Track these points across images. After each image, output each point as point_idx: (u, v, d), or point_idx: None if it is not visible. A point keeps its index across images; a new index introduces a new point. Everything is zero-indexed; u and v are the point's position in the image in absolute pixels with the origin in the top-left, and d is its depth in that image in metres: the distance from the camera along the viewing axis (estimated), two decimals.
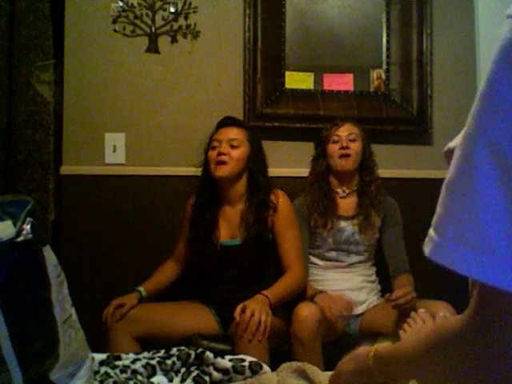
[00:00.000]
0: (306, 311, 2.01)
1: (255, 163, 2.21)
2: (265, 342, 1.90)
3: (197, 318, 2.15)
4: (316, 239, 2.34)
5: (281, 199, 2.20)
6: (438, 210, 0.57)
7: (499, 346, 0.54)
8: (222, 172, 2.15)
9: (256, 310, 1.90)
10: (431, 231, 0.56)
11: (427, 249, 0.55)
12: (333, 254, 2.33)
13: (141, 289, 2.17)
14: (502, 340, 0.53)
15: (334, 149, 2.32)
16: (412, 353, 0.75)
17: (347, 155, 2.30)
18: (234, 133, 2.21)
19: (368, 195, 2.33)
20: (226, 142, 2.18)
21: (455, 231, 0.53)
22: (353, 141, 2.32)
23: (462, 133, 0.55)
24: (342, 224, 2.32)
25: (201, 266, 2.25)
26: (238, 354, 1.58)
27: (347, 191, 2.36)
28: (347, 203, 2.36)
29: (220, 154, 2.15)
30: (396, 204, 2.40)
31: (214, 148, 2.20)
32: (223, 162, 2.15)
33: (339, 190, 2.36)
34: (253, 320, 1.88)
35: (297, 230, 2.22)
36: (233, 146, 2.17)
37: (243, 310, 1.91)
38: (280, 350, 2.07)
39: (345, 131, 2.33)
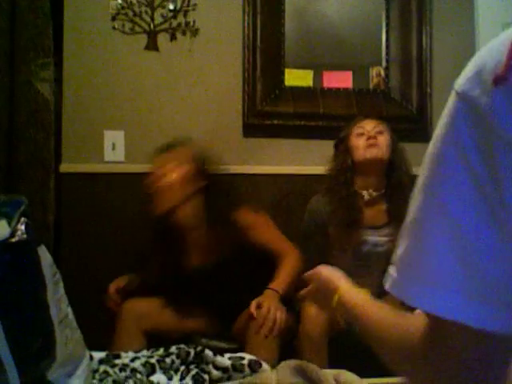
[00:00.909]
0: (315, 309, 1.97)
1: (206, 180, 2.07)
2: (277, 339, 1.90)
3: (200, 315, 2.15)
4: (334, 248, 2.14)
5: (243, 217, 2.07)
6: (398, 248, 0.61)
7: (448, 360, 0.57)
8: (160, 207, 2.03)
9: (272, 307, 1.89)
10: (391, 268, 0.61)
11: (387, 284, 0.61)
12: (351, 267, 2.06)
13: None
14: (450, 354, 0.56)
15: (358, 142, 2.09)
16: (371, 321, 0.81)
17: (375, 145, 2.07)
18: (170, 158, 2.06)
19: (399, 200, 2.01)
20: (161, 169, 2.05)
21: (409, 270, 0.59)
22: (380, 133, 2.10)
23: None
24: (367, 236, 2.10)
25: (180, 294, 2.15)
26: (248, 352, 1.58)
27: (374, 194, 2.10)
28: (373, 211, 2.12)
29: (153, 181, 2.03)
30: None
31: (152, 180, 2.06)
32: (161, 193, 2.02)
33: (364, 193, 2.10)
34: (269, 316, 1.88)
35: (273, 226, 2.13)
36: (170, 170, 2.03)
37: (259, 306, 1.90)
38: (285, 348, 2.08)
39: (370, 124, 2.12)
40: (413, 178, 2.08)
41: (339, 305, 1.01)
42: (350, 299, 0.98)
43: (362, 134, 2.10)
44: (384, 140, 2.09)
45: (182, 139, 2.18)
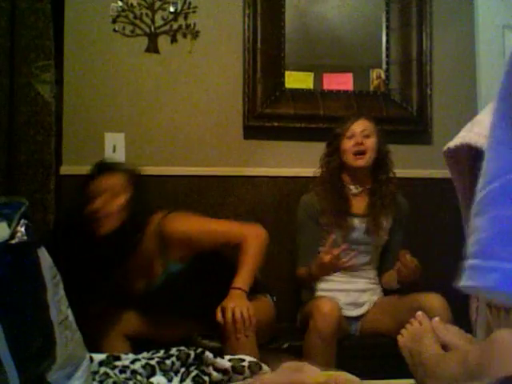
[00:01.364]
0: (328, 306, 2.03)
1: (137, 206, 2.01)
2: (253, 339, 1.89)
3: (196, 316, 2.15)
4: (325, 237, 2.24)
5: (174, 225, 2.01)
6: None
7: None
8: (104, 229, 1.95)
9: (236, 309, 1.84)
10: (472, 261, 0.45)
11: (479, 282, 0.44)
12: (341, 253, 2.21)
13: None
14: None
15: (348, 145, 2.26)
16: None
17: (362, 152, 2.25)
18: (109, 184, 2.00)
19: (381, 195, 2.28)
20: (101, 194, 1.98)
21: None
22: (367, 136, 2.27)
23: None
24: (354, 223, 2.28)
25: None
26: (227, 352, 1.58)
27: (360, 189, 2.31)
28: (359, 202, 2.31)
29: (95, 211, 1.96)
30: (408, 207, 2.36)
31: (91, 203, 1.98)
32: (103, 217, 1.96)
33: (352, 187, 2.31)
34: (237, 319, 1.83)
35: (201, 219, 2.09)
36: (112, 196, 1.98)
37: (223, 313, 1.87)
38: (279, 349, 2.08)
39: (359, 126, 2.28)
40: (394, 176, 2.32)
41: None
42: None
43: (352, 137, 2.26)
44: (371, 143, 2.26)
45: (117, 163, 2.18)
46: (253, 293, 2.01)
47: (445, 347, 1.13)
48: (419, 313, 1.27)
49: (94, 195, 1.98)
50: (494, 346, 0.73)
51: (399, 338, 1.21)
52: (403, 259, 2.08)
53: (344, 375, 1.24)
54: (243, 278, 1.93)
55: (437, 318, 1.21)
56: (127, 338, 2.02)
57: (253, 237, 2.00)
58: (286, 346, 2.11)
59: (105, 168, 2.07)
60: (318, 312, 2.01)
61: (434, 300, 2.00)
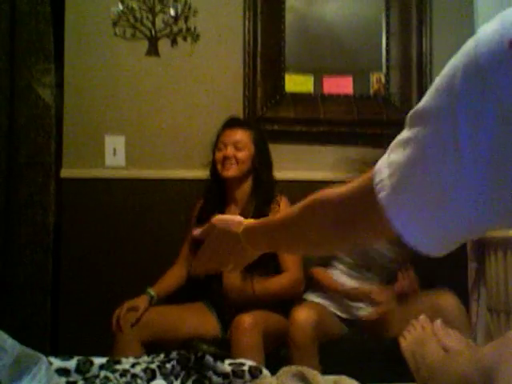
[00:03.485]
0: (303, 315, 2.00)
1: (260, 164, 2.25)
2: (260, 345, 1.90)
3: (200, 322, 2.15)
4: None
5: (283, 204, 2.21)
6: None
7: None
8: (229, 172, 2.20)
9: None
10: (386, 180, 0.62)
11: (382, 194, 0.61)
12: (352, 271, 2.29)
13: (152, 292, 2.16)
14: None
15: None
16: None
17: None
18: (238, 135, 2.23)
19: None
20: (231, 144, 2.21)
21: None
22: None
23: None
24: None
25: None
26: (233, 356, 1.58)
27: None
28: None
29: (225, 157, 2.20)
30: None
31: (220, 150, 2.23)
32: (229, 165, 2.20)
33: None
34: None
35: None
36: (238, 148, 2.20)
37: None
38: (279, 354, 2.07)
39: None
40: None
41: (247, 233, 0.96)
42: (257, 222, 0.97)
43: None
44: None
45: (248, 121, 2.43)
46: (279, 310, 2.13)
47: (445, 351, 1.13)
48: (422, 316, 1.27)
49: (225, 144, 2.21)
50: (510, 343, 0.75)
51: (402, 340, 1.20)
52: (405, 280, 2.12)
53: (344, 380, 1.24)
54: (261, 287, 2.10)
55: (438, 321, 1.21)
56: (144, 344, 2.02)
57: (297, 280, 2.16)
58: (284, 351, 2.11)
59: (237, 122, 2.30)
60: (293, 322, 2.00)
61: (448, 299, 1.96)
